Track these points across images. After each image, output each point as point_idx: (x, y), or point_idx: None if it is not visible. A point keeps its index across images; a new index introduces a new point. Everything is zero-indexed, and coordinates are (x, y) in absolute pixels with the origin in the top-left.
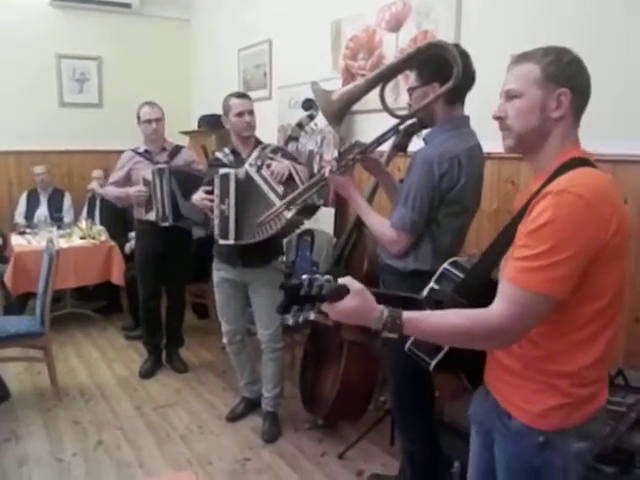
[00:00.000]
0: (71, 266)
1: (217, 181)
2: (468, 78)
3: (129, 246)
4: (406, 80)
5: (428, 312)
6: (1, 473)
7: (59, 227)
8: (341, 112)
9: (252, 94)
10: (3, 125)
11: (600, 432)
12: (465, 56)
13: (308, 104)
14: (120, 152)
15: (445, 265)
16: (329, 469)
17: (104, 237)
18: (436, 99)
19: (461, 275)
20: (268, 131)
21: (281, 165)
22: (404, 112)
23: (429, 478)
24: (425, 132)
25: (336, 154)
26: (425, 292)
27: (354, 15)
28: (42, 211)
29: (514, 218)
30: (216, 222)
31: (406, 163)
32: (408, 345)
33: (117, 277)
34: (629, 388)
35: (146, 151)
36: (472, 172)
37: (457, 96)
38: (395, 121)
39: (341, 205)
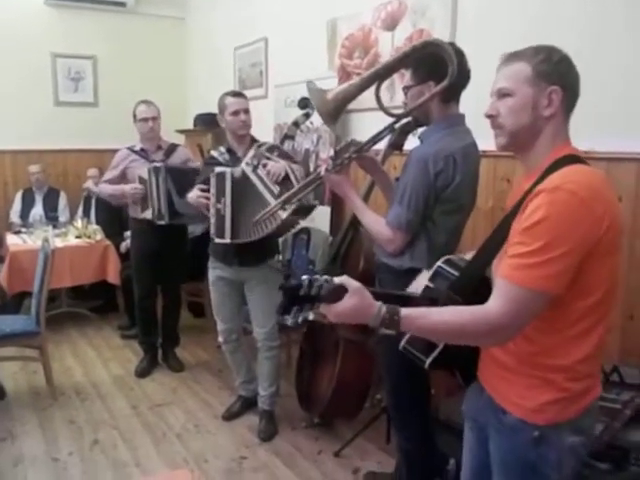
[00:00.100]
0: (67, 265)
1: (213, 180)
2: (463, 76)
3: (125, 245)
4: (402, 79)
5: (425, 309)
6: None
7: (54, 226)
8: (336, 111)
9: (248, 93)
10: None
11: (593, 426)
12: (460, 54)
13: (304, 103)
14: (115, 151)
15: (439, 263)
16: (325, 467)
17: (100, 236)
18: (431, 98)
19: (455, 273)
20: (264, 130)
21: (277, 165)
22: (400, 111)
23: (425, 475)
24: (421, 130)
25: (332, 153)
26: (420, 290)
27: (350, 14)
28: (37, 210)
29: (507, 216)
30: (212, 221)
31: (402, 161)
32: (402, 344)
33: (113, 276)
34: (624, 385)
35: (142, 149)
36: (467, 170)
37: (452, 94)
38: (391, 120)
39: (337, 204)
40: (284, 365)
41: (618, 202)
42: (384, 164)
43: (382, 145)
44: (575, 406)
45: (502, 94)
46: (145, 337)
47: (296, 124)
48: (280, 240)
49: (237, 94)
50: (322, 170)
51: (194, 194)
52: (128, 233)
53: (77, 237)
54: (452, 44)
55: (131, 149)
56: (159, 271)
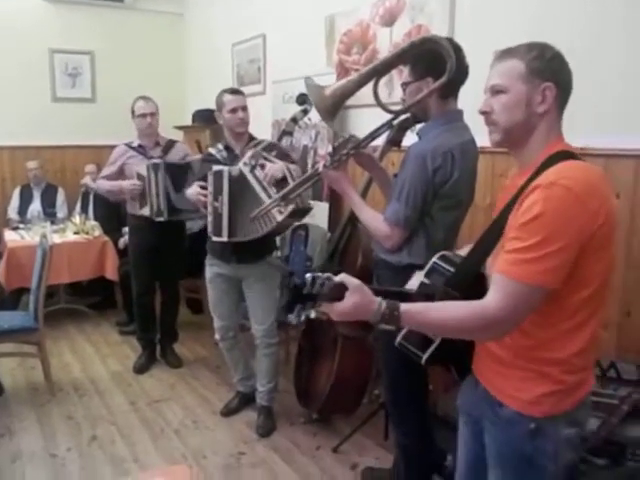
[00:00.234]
0: (65, 261)
1: (211, 178)
2: (461, 72)
3: (123, 241)
4: (400, 75)
5: (425, 304)
6: None
7: (52, 222)
8: (334, 107)
9: (246, 89)
10: None
11: (587, 418)
12: (458, 50)
13: (302, 99)
14: (113, 147)
15: (434, 259)
16: (323, 463)
17: (98, 232)
18: (430, 94)
19: (451, 269)
20: (262, 126)
21: (275, 167)
22: (398, 107)
23: (423, 471)
24: (419, 127)
25: (330, 149)
26: (416, 286)
27: (348, 10)
28: (35, 206)
29: (502, 212)
30: (210, 219)
31: (400, 158)
32: (399, 340)
33: (111, 272)
34: (621, 381)
35: (140, 146)
36: (465, 166)
37: (450, 90)
38: (389, 116)
39: (335, 200)
40: (282, 361)
41: (614, 197)
42: (382, 160)
43: (380, 141)
44: (570, 398)
45: (496, 91)
46: (143, 333)
47: (294, 120)
48: (278, 236)
49: (235, 91)
50: (320, 166)
51: (193, 190)
52: (126, 229)
53: (75, 233)
54: (450, 40)
55: (129, 145)
56: (157, 267)
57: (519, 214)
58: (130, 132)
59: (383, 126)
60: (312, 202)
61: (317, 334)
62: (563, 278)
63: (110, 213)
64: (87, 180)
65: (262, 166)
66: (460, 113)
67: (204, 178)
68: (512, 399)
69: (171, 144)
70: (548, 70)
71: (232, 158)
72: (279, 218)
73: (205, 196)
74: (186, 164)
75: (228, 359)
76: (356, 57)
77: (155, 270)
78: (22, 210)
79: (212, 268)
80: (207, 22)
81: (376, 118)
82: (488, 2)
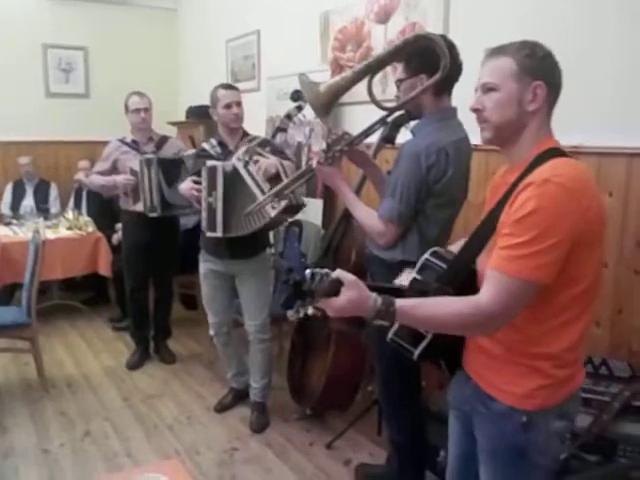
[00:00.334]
0: (58, 257)
1: (204, 174)
2: (455, 69)
3: (116, 237)
4: (394, 72)
5: (419, 300)
6: None
7: (45, 218)
8: (329, 104)
9: (240, 85)
10: None
11: (576, 411)
12: (452, 47)
13: (297, 95)
14: (107, 143)
15: (426, 255)
16: (317, 459)
17: (91, 228)
18: (424, 91)
19: (443, 265)
20: (256, 123)
21: (268, 162)
22: (392, 104)
23: (416, 466)
24: (413, 124)
25: (324, 146)
26: (407, 282)
27: (342, 6)
28: (28, 202)
29: (494, 209)
30: (204, 215)
31: (394, 155)
32: (390, 335)
33: (104, 268)
34: (613, 378)
35: (133, 141)
36: (459, 164)
37: (444, 87)
38: (383, 113)
39: (329, 197)
40: (276, 357)
41: (602, 195)
42: (376, 158)
43: (374, 139)
44: (561, 392)
45: (487, 88)
46: (137, 329)
47: (288, 117)
48: (272, 233)
49: (229, 87)
50: (314, 163)
51: (186, 185)
52: (120, 225)
53: (68, 229)
54: (444, 36)
55: (122, 141)
56: (151, 263)
57: (512, 211)
58: (124, 128)
59: (377, 123)
60: (306, 199)
61: (310, 330)
62: (556, 274)
63: (103, 209)
64: (80, 176)
65: (255, 162)
66: (454, 110)
67: (197, 173)
68: (504, 393)
69: (164, 140)
70: (539, 69)
71: (226, 154)
72: (272, 214)
73: (198, 191)
74: (179, 159)
75: (222, 354)
76: (350, 54)
77: (149, 266)
78: (14, 206)
79: (205, 264)
80: (201, 18)
81: (370, 115)
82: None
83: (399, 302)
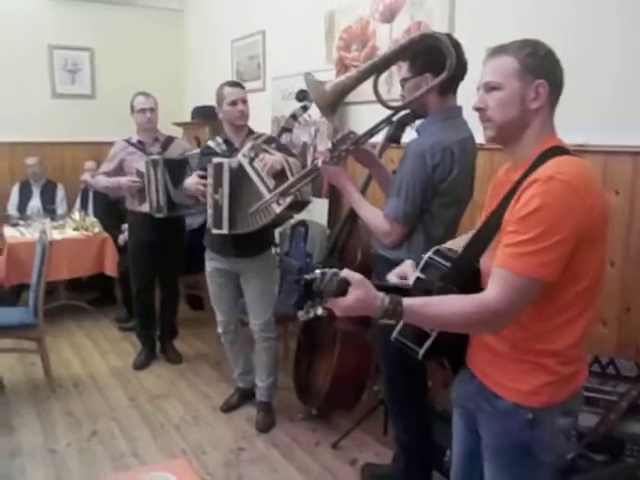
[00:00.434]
0: (64, 258)
1: (210, 170)
2: (460, 68)
3: (123, 238)
4: (399, 71)
5: (426, 298)
6: None
7: (52, 219)
8: (334, 103)
9: (246, 85)
10: None
11: (580, 408)
12: (457, 46)
13: (302, 95)
14: (112, 144)
15: (429, 254)
16: (323, 459)
17: (97, 229)
18: (430, 90)
19: (447, 264)
20: (262, 123)
21: (274, 158)
22: (397, 103)
23: (422, 466)
24: (418, 123)
25: (329, 145)
26: (411, 281)
27: (347, 6)
28: (35, 203)
29: (498, 206)
30: (210, 212)
31: (400, 155)
32: (395, 335)
33: (110, 269)
34: (620, 377)
35: (139, 141)
36: (464, 163)
37: (450, 87)
38: (388, 112)
39: (335, 197)
40: (282, 357)
41: (608, 194)
42: (381, 157)
43: (379, 138)
44: (566, 389)
45: (490, 87)
46: (143, 329)
47: (294, 117)
48: (278, 233)
49: (235, 84)
50: (319, 162)
51: (192, 180)
52: (126, 226)
53: (75, 229)
54: (449, 36)
55: (128, 141)
56: (157, 264)
57: (517, 208)
58: (130, 129)
59: (382, 122)
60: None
61: (316, 330)
62: (560, 271)
63: (110, 210)
64: (86, 177)
65: (261, 158)
66: (459, 109)
67: (203, 170)
68: (509, 391)
69: (170, 140)
70: (541, 67)
71: (231, 151)
72: (277, 210)
73: (204, 186)
74: (185, 159)
75: (229, 353)
76: (356, 54)
77: (155, 266)
78: (21, 207)
79: (211, 263)
80: (207, 18)
81: (375, 114)
82: None
83: (406, 301)
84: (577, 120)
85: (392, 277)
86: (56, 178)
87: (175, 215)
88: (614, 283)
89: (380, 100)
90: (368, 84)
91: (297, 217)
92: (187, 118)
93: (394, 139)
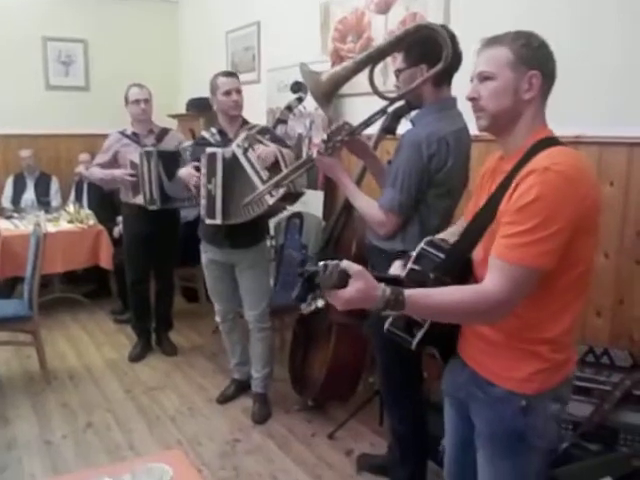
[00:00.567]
0: (59, 250)
1: (204, 160)
2: (455, 59)
3: (118, 230)
4: (394, 63)
5: (426, 289)
6: None
7: (46, 211)
8: (329, 93)
9: (241, 77)
10: None
11: (570, 395)
12: (452, 37)
13: (297, 87)
14: (107, 136)
15: (422, 245)
16: (319, 449)
17: (92, 221)
18: (425, 81)
19: (440, 255)
20: (257, 114)
21: (268, 149)
22: (392, 94)
23: (417, 456)
24: (413, 114)
25: (325, 136)
26: (404, 273)
27: None
28: (29, 195)
29: (492, 197)
30: (203, 202)
31: (395, 146)
32: (387, 326)
33: (106, 261)
34: (614, 367)
35: (134, 133)
36: (459, 153)
37: (444, 78)
38: (384, 104)
39: (330, 189)
40: (278, 349)
41: (602, 185)
42: (376, 149)
43: (375, 129)
44: (558, 375)
45: (483, 77)
46: (138, 322)
47: (289, 108)
48: (273, 224)
49: (229, 74)
50: (314, 153)
51: (186, 170)
52: (121, 218)
53: (69, 222)
54: (444, 27)
55: (123, 133)
56: (152, 256)
57: (513, 199)
58: (124, 121)
59: (377, 113)
60: (307, 190)
61: (312, 321)
62: (557, 260)
63: (104, 202)
64: (81, 169)
65: (255, 149)
66: (454, 100)
67: (197, 161)
68: (503, 379)
69: (165, 132)
70: (535, 58)
71: (225, 142)
72: (270, 202)
73: (198, 178)
74: (178, 151)
75: (226, 342)
76: (351, 45)
77: (150, 258)
78: (15, 199)
79: (206, 254)
80: (201, 10)
81: (371, 106)
82: None
83: (408, 291)
84: (572, 112)
85: None
86: (50, 170)
87: (169, 207)
88: (608, 274)
89: (376, 91)
90: (363, 76)
91: (292, 209)
92: (182, 110)
93: (389, 130)
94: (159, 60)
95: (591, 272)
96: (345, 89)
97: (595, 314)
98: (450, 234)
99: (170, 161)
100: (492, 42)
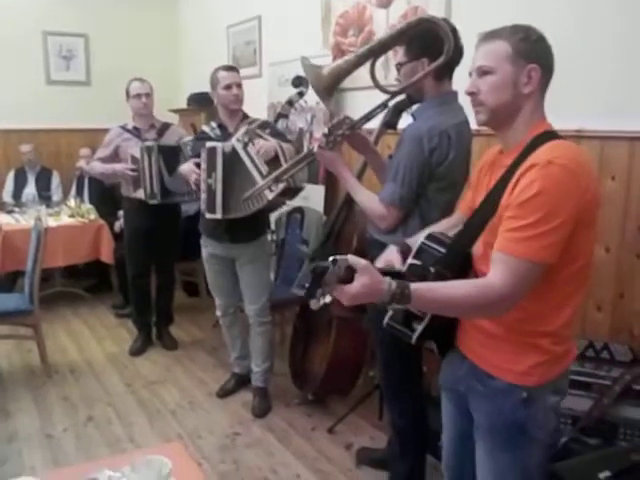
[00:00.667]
0: (60, 245)
1: (204, 155)
2: (456, 53)
3: (119, 225)
4: (396, 57)
5: (432, 283)
6: None
7: (47, 206)
8: (331, 87)
9: (242, 71)
10: None
11: (567, 387)
12: (454, 31)
13: (298, 81)
14: (108, 130)
15: (422, 239)
16: (319, 443)
17: (93, 216)
18: (426, 75)
19: (441, 249)
20: (258, 109)
21: (268, 144)
22: (394, 88)
23: (417, 450)
24: (414, 108)
25: (325, 130)
26: (405, 268)
27: None
28: (30, 190)
29: (493, 191)
30: (203, 196)
31: (396, 141)
32: (386, 321)
33: (107, 255)
34: (614, 362)
35: (135, 128)
36: (461, 147)
37: (446, 71)
38: (384, 97)
39: (331, 183)
40: (278, 344)
41: (604, 179)
42: (377, 144)
43: (376, 124)
44: (557, 367)
45: (482, 72)
46: (139, 316)
47: (290, 103)
48: (274, 219)
49: (230, 68)
50: (315, 147)
51: (187, 166)
52: (122, 212)
53: (70, 216)
54: (446, 20)
55: (124, 127)
56: (153, 250)
57: (516, 193)
58: (125, 116)
59: (378, 107)
60: (308, 185)
61: (312, 315)
62: (559, 253)
63: (105, 197)
64: (82, 163)
65: (255, 143)
66: (455, 94)
67: (198, 156)
68: (504, 371)
69: (166, 127)
70: (533, 52)
71: (226, 136)
72: (269, 197)
73: (199, 174)
74: (179, 146)
75: (227, 336)
76: (352, 39)
77: (150, 253)
78: (16, 194)
79: (206, 249)
80: (202, 4)
81: (372, 100)
82: None
83: (414, 285)
84: (573, 105)
85: (379, 265)
86: (51, 165)
87: (169, 202)
88: (609, 268)
89: (377, 85)
90: (365, 70)
91: (293, 203)
92: (183, 105)
93: (391, 125)
94: (160, 54)
95: (591, 265)
96: (346, 83)
97: (595, 308)
98: (445, 227)
99: (171, 156)
100: (490, 36)
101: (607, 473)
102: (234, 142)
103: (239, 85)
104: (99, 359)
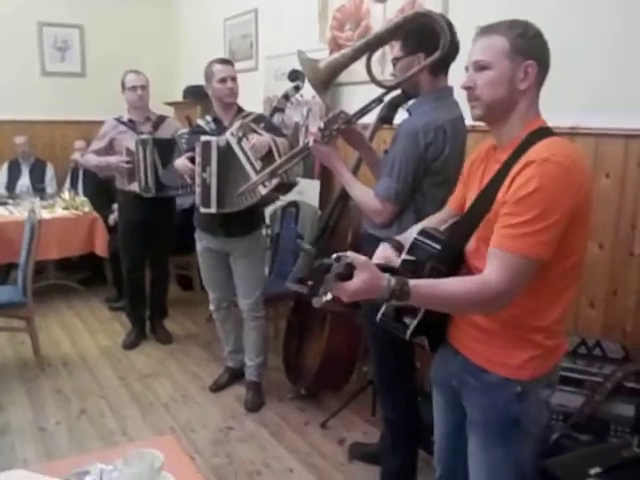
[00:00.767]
0: (54, 237)
1: (198, 149)
2: (452, 48)
3: (113, 218)
4: (392, 50)
5: (433, 280)
6: None
7: (41, 198)
8: (327, 80)
9: (238, 65)
10: None
11: (557, 381)
12: (450, 26)
13: (294, 75)
14: (103, 123)
15: (415, 235)
16: (312, 438)
17: (87, 208)
18: (422, 70)
19: (435, 245)
20: (254, 103)
21: (262, 139)
22: (390, 83)
23: (409, 444)
24: (410, 103)
25: (321, 124)
26: (399, 264)
27: None
28: (24, 182)
29: (488, 187)
30: (198, 190)
31: (392, 136)
32: (379, 316)
33: (101, 248)
34: (606, 359)
35: (130, 120)
36: (456, 142)
37: (441, 67)
38: (381, 92)
39: (327, 178)
40: (272, 338)
41: (599, 176)
42: (373, 139)
43: (371, 119)
44: (550, 361)
45: (479, 66)
46: (133, 309)
47: (286, 97)
48: (269, 213)
49: (224, 61)
50: (310, 141)
51: (181, 161)
52: (116, 205)
53: (64, 209)
54: (442, 16)
55: (119, 120)
56: (147, 243)
57: (512, 190)
58: (120, 108)
59: (374, 101)
60: (303, 180)
61: (306, 310)
62: (554, 250)
63: (100, 189)
64: (76, 156)
65: (249, 138)
66: (450, 89)
67: (193, 150)
68: (498, 365)
69: (162, 120)
70: (531, 48)
71: (220, 130)
72: (263, 192)
73: (193, 170)
74: (173, 139)
75: (221, 330)
76: (349, 33)
77: (145, 246)
78: (10, 185)
79: (201, 242)
80: None
81: (368, 95)
82: None
83: (413, 282)
84: (568, 103)
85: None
86: (46, 157)
87: (163, 195)
88: (602, 265)
89: (374, 79)
90: (361, 64)
91: (288, 198)
92: (179, 97)
93: (386, 120)
94: (156, 47)
95: (584, 262)
96: (343, 77)
97: (588, 305)
98: (434, 222)
99: (166, 149)
100: (488, 31)
101: (598, 469)
102: (228, 136)
103: (234, 78)
104: (92, 352)
